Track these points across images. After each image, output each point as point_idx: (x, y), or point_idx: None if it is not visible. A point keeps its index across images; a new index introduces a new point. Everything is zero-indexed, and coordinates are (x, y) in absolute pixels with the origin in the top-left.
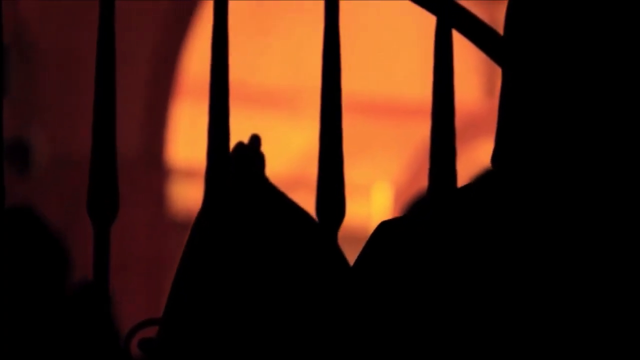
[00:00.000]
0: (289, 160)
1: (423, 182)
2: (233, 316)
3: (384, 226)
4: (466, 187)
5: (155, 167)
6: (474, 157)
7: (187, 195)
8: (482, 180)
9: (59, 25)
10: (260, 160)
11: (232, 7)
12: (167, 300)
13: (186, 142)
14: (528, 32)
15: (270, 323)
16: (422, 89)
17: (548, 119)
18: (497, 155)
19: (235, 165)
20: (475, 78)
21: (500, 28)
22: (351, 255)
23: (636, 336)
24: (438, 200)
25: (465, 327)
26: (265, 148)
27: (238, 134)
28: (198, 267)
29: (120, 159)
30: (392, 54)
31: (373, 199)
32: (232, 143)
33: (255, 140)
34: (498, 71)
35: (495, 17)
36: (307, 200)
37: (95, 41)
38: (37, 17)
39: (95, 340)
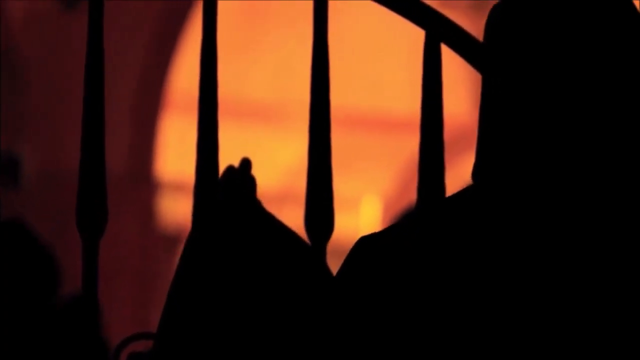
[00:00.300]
0: (278, 173)
1: (412, 195)
2: (226, 337)
3: (362, 241)
4: (446, 201)
5: (144, 181)
6: (463, 170)
7: (176, 208)
8: (462, 194)
9: (47, 40)
10: (251, 183)
11: (221, 22)
12: (160, 319)
13: (175, 155)
14: (507, 47)
15: (262, 343)
16: (411, 102)
17: (527, 132)
18: (478, 169)
19: (225, 190)
20: (464, 91)
21: None
22: None
23: (616, 341)
24: (416, 215)
25: (441, 339)
26: (253, 162)
27: (227, 147)
28: (191, 289)
29: (109, 172)
30: (381, 67)
31: (362, 212)
32: (221, 157)
33: (246, 163)
34: None
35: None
36: (296, 214)
37: (84, 55)
38: (25, 31)
39: (84, 353)
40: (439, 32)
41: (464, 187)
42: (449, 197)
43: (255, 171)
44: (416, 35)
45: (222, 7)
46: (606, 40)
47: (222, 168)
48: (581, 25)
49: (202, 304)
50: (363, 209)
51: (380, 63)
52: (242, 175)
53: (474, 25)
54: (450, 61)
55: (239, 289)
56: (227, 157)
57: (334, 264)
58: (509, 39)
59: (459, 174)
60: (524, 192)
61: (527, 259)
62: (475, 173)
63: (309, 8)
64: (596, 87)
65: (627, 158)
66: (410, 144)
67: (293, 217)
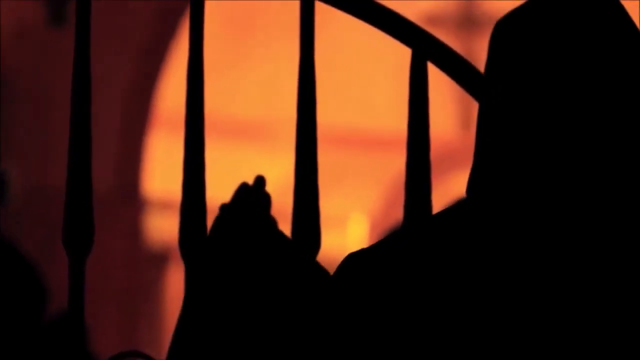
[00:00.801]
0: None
1: (399, 214)
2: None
3: (350, 258)
4: (434, 217)
5: (131, 199)
6: (450, 189)
7: (163, 226)
8: (451, 209)
9: (34, 56)
10: (266, 201)
11: (208, 39)
12: (170, 344)
13: (161, 173)
14: (508, 63)
15: None
16: (398, 121)
17: (525, 147)
18: (473, 185)
19: (239, 208)
20: (451, 110)
21: (475, 60)
22: None
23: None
24: (404, 231)
25: (427, 355)
26: (240, 179)
27: (214, 165)
28: (203, 312)
29: (96, 189)
30: (367, 86)
31: (349, 230)
32: (208, 175)
33: (260, 181)
34: (473, 103)
35: (471, 49)
36: (283, 231)
37: (70, 72)
38: (12, 47)
39: None
40: (426, 50)
41: (452, 202)
42: (438, 212)
43: None
44: (403, 54)
45: (208, 25)
46: (610, 59)
47: (208, 186)
48: (584, 43)
49: (214, 326)
50: (350, 227)
51: (367, 81)
52: (256, 193)
53: (461, 44)
54: (437, 80)
55: (253, 312)
56: (214, 174)
57: None
58: (511, 55)
59: (446, 192)
60: (518, 206)
61: (517, 272)
62: (470, 187)
63: (295, 25)
64: (596, 104)
65: (622, 175)
66: (397, 162)
67: None
